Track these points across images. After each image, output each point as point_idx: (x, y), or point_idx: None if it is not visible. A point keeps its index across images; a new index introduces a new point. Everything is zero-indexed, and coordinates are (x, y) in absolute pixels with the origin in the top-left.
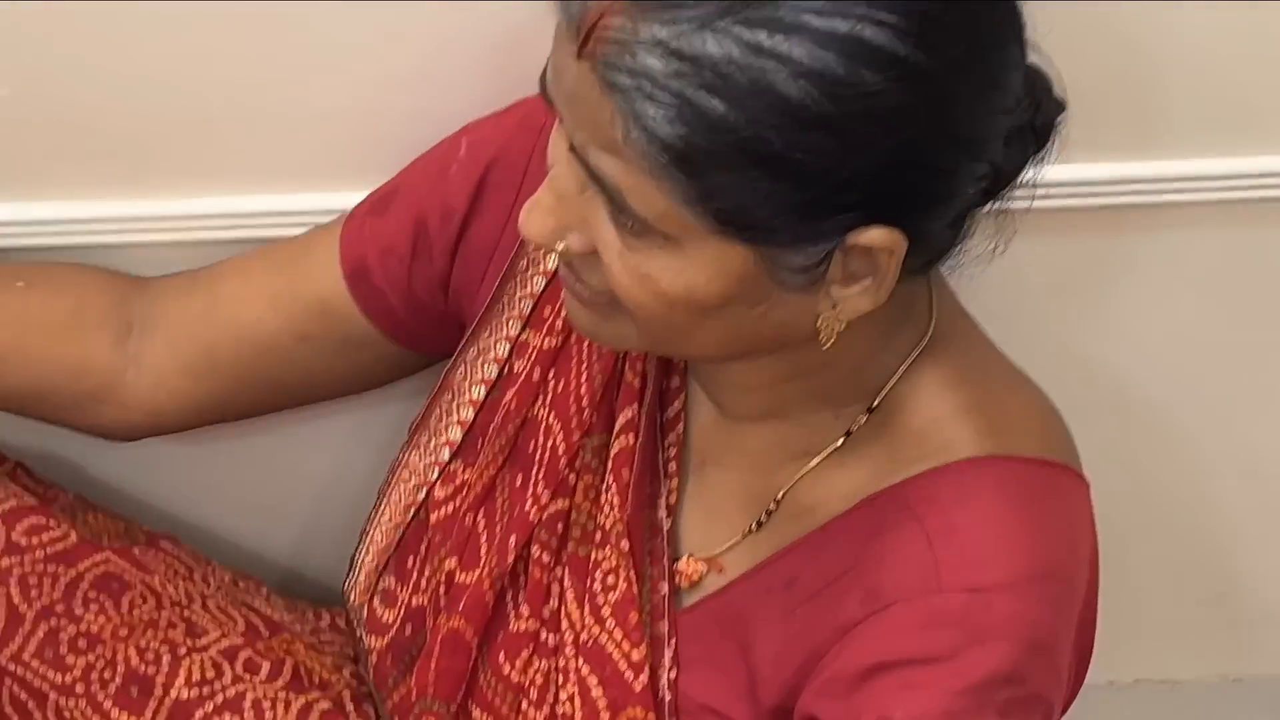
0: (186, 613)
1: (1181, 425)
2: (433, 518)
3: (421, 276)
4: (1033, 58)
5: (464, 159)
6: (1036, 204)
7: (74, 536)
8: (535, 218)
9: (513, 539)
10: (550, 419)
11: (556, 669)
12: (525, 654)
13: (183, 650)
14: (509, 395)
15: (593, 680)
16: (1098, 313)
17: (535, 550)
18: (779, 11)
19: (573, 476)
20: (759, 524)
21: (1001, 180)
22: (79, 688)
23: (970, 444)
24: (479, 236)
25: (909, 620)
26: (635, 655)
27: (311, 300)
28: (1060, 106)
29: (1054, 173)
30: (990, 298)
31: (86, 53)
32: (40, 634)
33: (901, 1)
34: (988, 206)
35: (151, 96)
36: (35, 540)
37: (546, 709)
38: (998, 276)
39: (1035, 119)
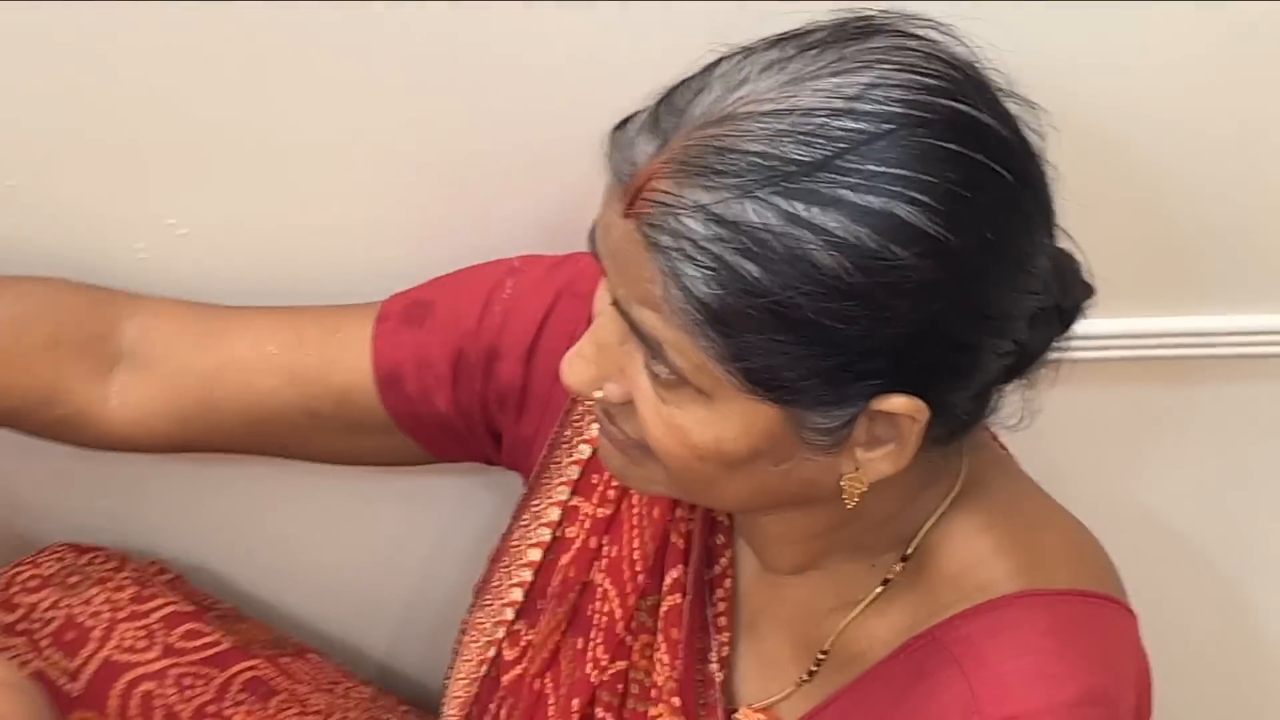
0: None
1: (1232, 571)
2: (504, 679)
3: (461, 402)
4: (1066, 242)
5: (510, 306)
6: (1094, 355)
7: (227, 643)
8: (577, 367)
9: (576, 701)
10: (607, 585)
11: None
12: None
13: None
14: (565, 560)
15: None
16: (1149, 460)
17: (598, 711)
18: (817, 184)
19: (629, 638)
20: (810, 673)
21: (1026, 358)
22: None
23: (1005, 582)
24: (530, 397)
25: None
26: None
27: (335, 387)
28: (1089, 290)
29: (1110, 326)
30: (1041, 443)
31: None
32: None
33: (934, 181)
34: (1012, 383)
35: None
36: (192, 644)
37: None
38: (1049, 424)
39: (1063, 301)
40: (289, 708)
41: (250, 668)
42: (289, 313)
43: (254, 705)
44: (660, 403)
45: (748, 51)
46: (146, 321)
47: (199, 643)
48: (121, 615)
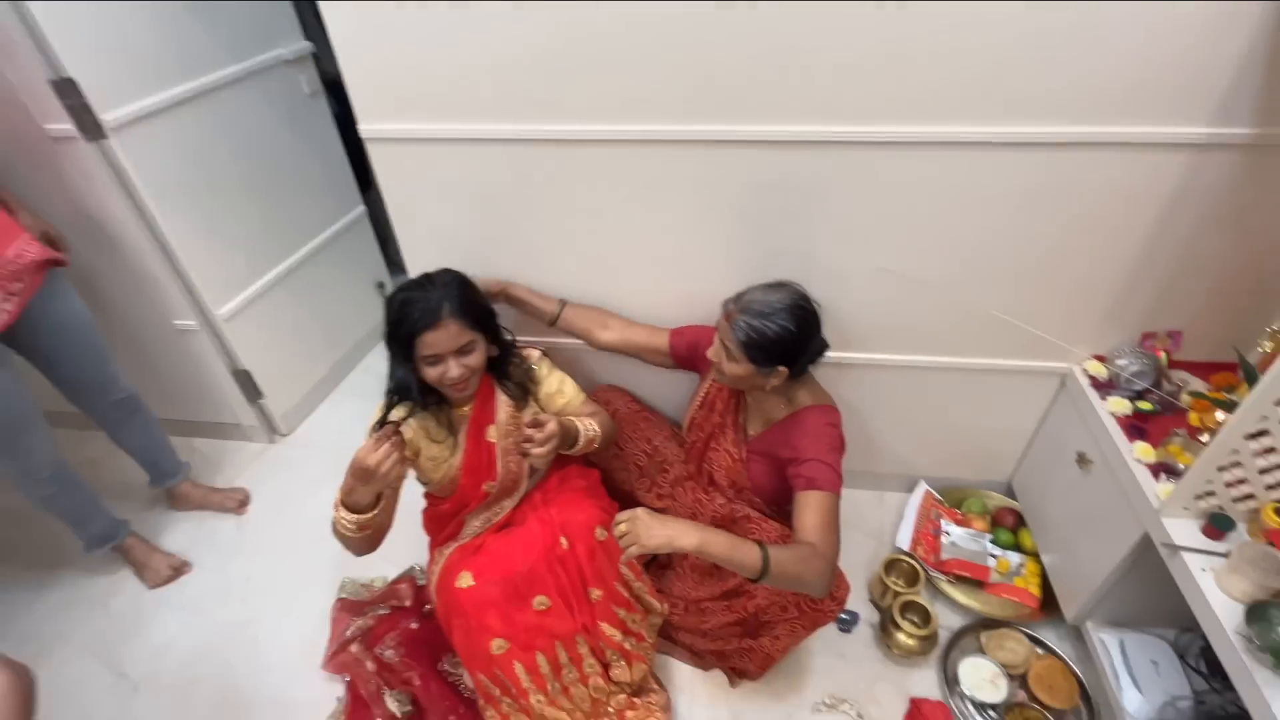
0: None
1: None
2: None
3: (689, 359)
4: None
5: (699, 336)
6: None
7: None
8: (711, 352)
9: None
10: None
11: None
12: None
13: None
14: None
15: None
16: None
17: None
18: (776, 320)
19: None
20: (765, 425)
21: (814, 358)
22: None
23: (811, 402)
24: (701, 361)
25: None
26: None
27: (661, 344)
28: (825, 345)
29: None
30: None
31: None
32: None
33: (790, 319)
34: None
35: None
36: None
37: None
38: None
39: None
40: None
41: None
42: (649, 326)
43: None
44: (732, 365)
45: (755, 288)
46: (613, 320)
47: None
48: None
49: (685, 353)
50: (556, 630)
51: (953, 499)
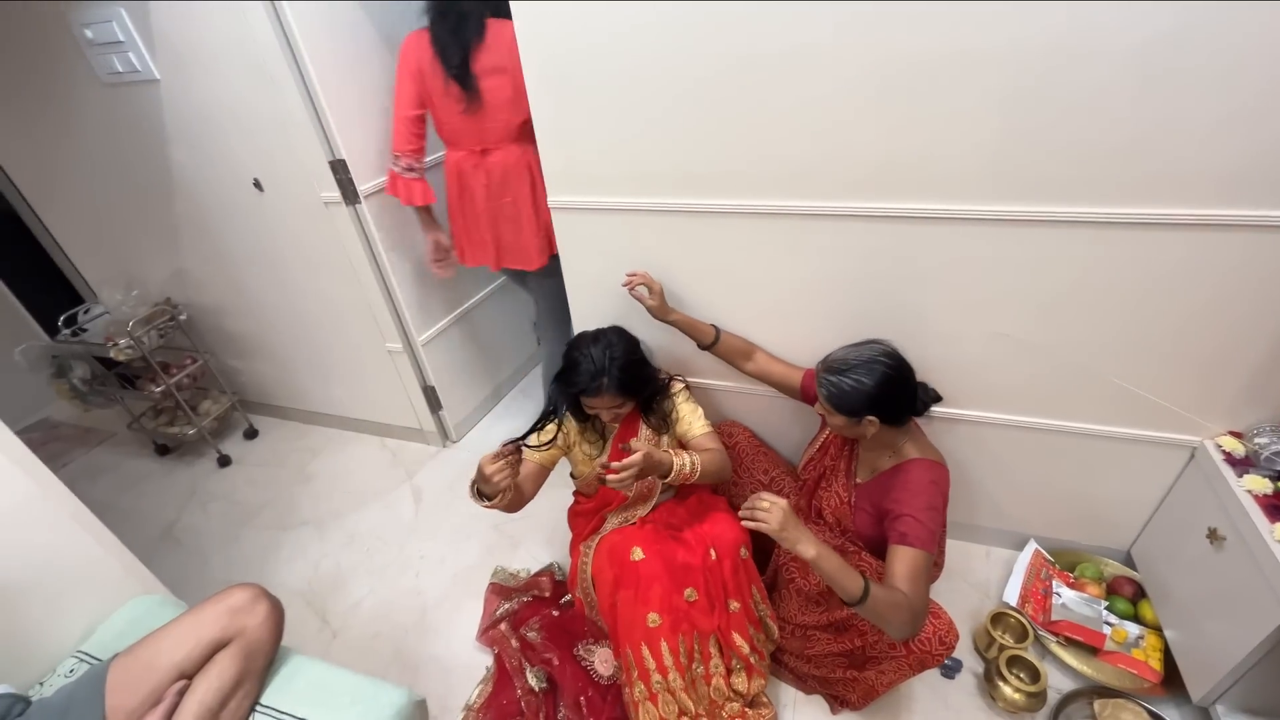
0: None
1: None
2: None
3: (814, 395)
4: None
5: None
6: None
7: None
8: (817, 405)
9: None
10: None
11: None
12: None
13: None
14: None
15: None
16: None
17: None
18: (853, 373)
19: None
20: (872, 474)
21: (921, 408)
22: None
23: (916, 455)
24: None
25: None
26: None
27: (795, 381)
28: (937, 397)
29: None
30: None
31: None
32: None
33: (866, 374)
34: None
35: None
36: None
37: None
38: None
39: (927, 397)
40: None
41: None
42: (786, 364)
43: None
44: (826, 413)
45: (841, 348)
46: (758, 353)
47: None
48: None
49: (814, 393)
50: (699, 624)
51: (1065, 561)
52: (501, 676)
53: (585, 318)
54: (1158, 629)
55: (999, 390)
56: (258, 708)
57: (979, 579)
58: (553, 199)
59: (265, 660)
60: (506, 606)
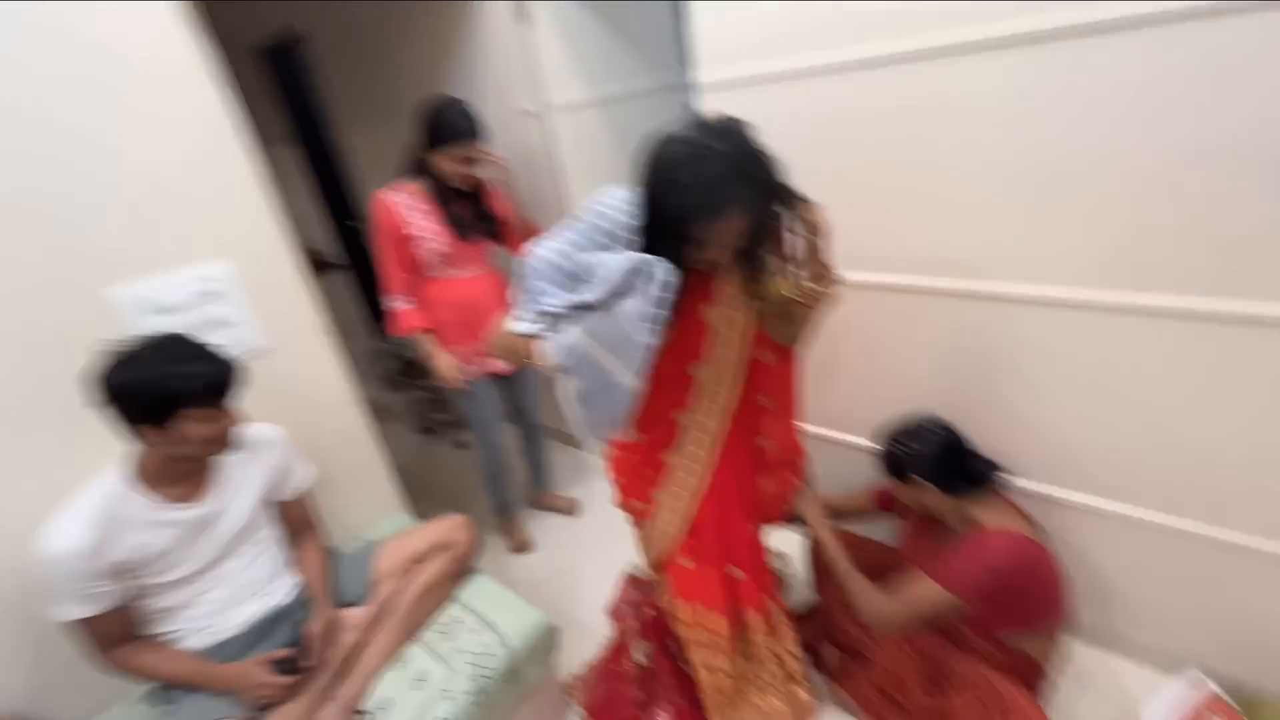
0: None
1: None
2: None
3: None
4: None
5: None
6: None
7: None
8: (898, 495)
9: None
10: None
11: None
12: None
13: None
14: None
15: None
16: None
17: None
18: (897, 438)
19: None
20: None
21: (977, 484)
22: None
23: (993, 524)
24: None
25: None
26: None
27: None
28: (995, 465)
29: None
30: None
31: None
32: None
33: (908, 438)
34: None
35: None
36: None
37: None
38: None
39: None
40: None
41: None
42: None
43: None
44: (892, 484)
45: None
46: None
47: None
48: None
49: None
50: (744, 599)
51: (1245, 702)
52: (619, 647)
53: None
54: None
55: (1154, 483)
56: (451, 596)
57: (1112, 694)
58: None
59: (463, 565)
60: (634, 594)
